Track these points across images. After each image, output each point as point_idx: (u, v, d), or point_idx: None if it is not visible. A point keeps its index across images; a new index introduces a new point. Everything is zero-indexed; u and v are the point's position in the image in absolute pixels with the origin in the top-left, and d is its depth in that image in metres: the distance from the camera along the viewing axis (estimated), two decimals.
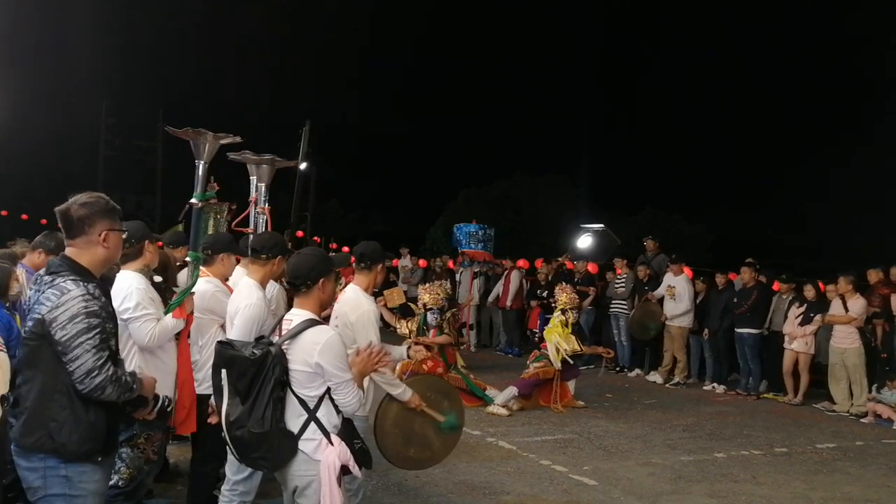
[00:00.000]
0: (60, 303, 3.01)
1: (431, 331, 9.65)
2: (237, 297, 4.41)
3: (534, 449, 7.50)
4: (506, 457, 7.22)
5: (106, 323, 3.08)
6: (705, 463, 7.31)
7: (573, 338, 9.37)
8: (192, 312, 4.56)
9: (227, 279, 5.12)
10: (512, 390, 9.25)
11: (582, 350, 9.52)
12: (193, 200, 4.86)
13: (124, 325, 4.15)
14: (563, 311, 9.59)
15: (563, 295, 9.78)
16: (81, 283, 3.06)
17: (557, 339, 9.35)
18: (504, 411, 9.01)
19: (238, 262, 5.46)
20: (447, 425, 4.64)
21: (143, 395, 3.33)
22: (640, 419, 9.17)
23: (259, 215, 5.69)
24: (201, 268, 5.07)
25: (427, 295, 9.87)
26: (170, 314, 4.38)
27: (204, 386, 4.64)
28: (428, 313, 9.78)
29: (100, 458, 3.12)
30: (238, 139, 5.09)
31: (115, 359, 3.14)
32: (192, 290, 4.62)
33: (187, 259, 5.02)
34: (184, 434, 4.84)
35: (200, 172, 4.86)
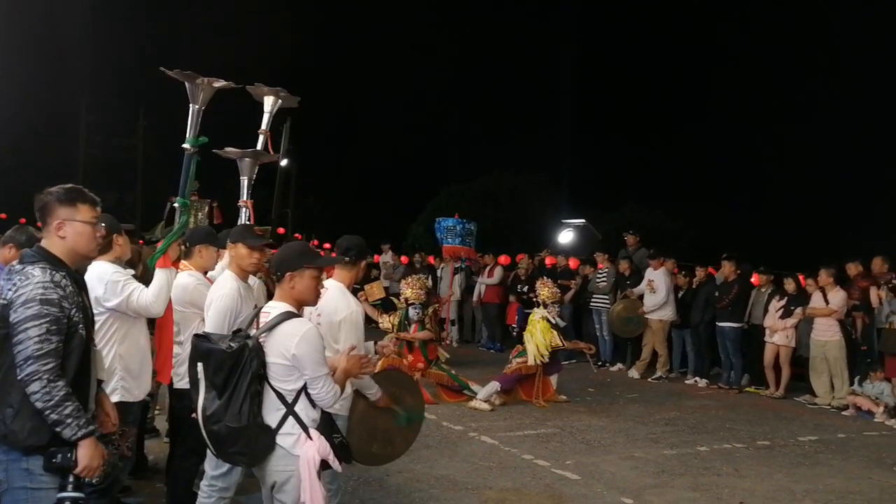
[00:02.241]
0: (20, 286, 2.97)
1: (413, 325, 9.60)
2: (213, 288, 4.34)
3: (516, 444, 7.46)
4: (488, 452, 7.16)
5: (63, 314, 2.99)
6: (688, 456, 7.30)
7: (554, 333, 9.33)
8: (177, 260, 4.51)
9: (207, 272, 5.05)
10: (494, 385, 9.19)
11: (563, 345, 9.47)
12: (186, 145, 4.79)
13: (108, 314, 4.15)
14: (546, 306, 9.55)
15: (545, 289, 9.73)
16: (49, 271, 3.01)
17: (536, 342, 9.33)
18: (486, 406, 8.96)
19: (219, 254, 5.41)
20: (404, 420, 4.62)
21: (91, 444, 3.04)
22: (622, 413, 9.15)
23: (241, 208, 5.62)
24: (183, 261, 5.01)
25: (409, 290, 9.82)
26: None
27: (185, 381, 4.57)
28: (410, 308, 9.75)
29: (56, 454, 3.00)
30: (233, 84, 5.12)
31: (62, 356, 2.99)
32: (176, 237, 4.58)
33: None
34: (162, 382, 4.82)
35: (192, 116, 4.83)
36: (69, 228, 3.15)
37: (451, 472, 6.46)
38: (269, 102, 5.76)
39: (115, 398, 4.06)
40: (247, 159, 5.62)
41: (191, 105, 4.96)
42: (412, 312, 9.72)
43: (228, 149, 5.61)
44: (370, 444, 4.49)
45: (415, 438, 4.79)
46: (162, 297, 4.28)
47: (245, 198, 5.62)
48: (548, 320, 9.43)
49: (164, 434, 6.61)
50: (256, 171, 5.74)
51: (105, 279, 4.18)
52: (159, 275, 4.30)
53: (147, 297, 4.21)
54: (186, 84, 4.85)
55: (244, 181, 5.68)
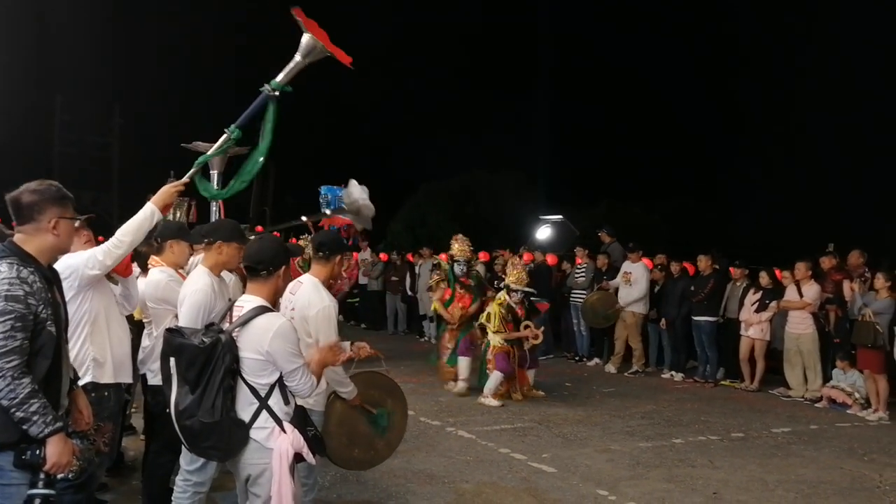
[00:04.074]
0: None
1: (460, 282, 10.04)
2: (186, 284, 4.32)
3: (493, 438, 7.49)
4: (465, 446, 7.19)
5: (30, 311, 2.96)
6: (663, 449, 7.36)
7: (501, 324, 9.29)
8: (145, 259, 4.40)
9: (180, 268, 5.04)
10: (497, 377, 9.21)
11: (508, 335, 9.32)
12: (267, 87, 4.58)
13: (84, 296, 4.11)
14: (510, 292, 9.49)
15: (514, 272, 9.68)
16: (16, 266, 2.98)
17: (491, 329, 9.33)
18: (495, 402, 9.02)
19: (192, 250, 5.40)
20: (384, 420, 4.61)
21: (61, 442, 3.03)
22: (598, 407, 9.21)
23: (212, 203, 5.60)
24: (153, 257, 4.99)
25: (456, 244, 10.15)
26: None
27: (160, 377, 4.55)
28: (455, 265, 10.07)
29: (25, 451, 2.97)
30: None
31: (28, 353, 2.96)
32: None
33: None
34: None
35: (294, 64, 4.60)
36: (63, 226, 3.18)
37: (428, 466, 6.48)
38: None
39: (87, 379, 4.05)
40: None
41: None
42: (457, 269, 10.06)
43: (197, 142, 5.57)
44: (351, 448, 4.50)
45: (398, 442, 4.78)
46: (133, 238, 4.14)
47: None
48: (508, 306, 9.38)
49: (140, 432, 6.59)
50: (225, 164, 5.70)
51: (84, 255, 4.14)
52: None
53: (112, 252, 4.09)
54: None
55: (215, 175, 5.65)
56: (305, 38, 4.52)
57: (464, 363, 9.67)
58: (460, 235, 10.30)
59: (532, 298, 9.77)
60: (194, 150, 5.72)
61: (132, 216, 4.15)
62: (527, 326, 9.41)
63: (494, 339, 9.28)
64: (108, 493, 5.50)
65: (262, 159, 4.59)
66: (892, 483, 6.47)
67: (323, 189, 5.80)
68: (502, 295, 9.53)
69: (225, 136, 4.57)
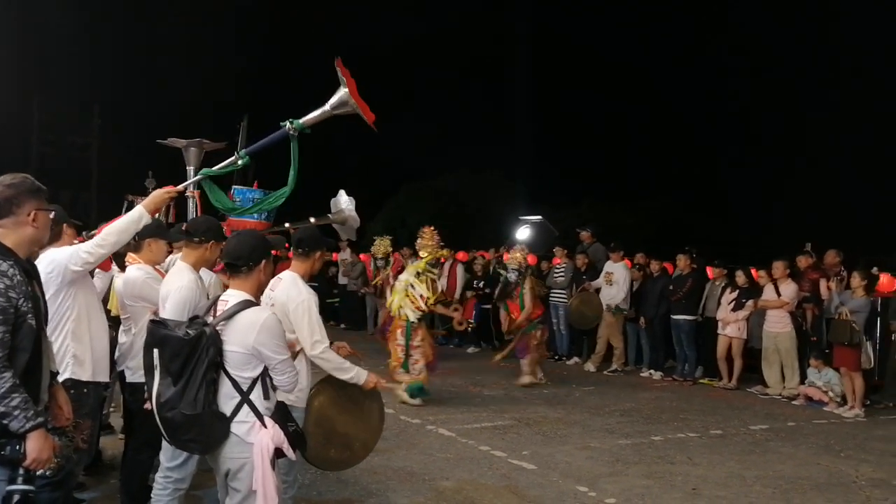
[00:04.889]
0: None
1: (516, 288, 10.36)
2: (169, 280, 4.29)
3: (473, 435, 7.50)
4: (445, 443, 7.20)
5: (10, 304, 2.94)
6: (642, 446, 7.40)
7: (430, 293, 9.02)
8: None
9: (157, 265, 5.02)
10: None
11: (429, 308, 9.10)
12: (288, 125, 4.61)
13: (65, 292, 4.08)
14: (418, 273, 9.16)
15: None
16: None
17: (412, 289, 9.00)
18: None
19: (171, 248, 5.37)
20: (414, 388, 4.59)
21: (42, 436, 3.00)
22: (578, 405, 9.24)
23: (188, 199, 5.55)
24: (130, 254, 4.96)
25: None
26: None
27: (138, 374, 4.53)
28: (510, 272, 10.45)
29: (4, 446, 2.94)
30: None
31: (9, 347, 2.95)
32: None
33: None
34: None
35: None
36: (41, 217, 3.18)
37: (408, 463, 6.48)
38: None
39: (66, 375, 4.02)
40: (192, 149, 5.57)
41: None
42: (511, 276, 10.41)
43: (172, 138, 5.54)
44: (327, 448, 4.45)
45: (375, 443, 4.74)
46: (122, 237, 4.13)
47: (192, 188, 5.54)
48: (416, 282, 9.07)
49: (119, 431, 6.54)
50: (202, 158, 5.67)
51: (68, 251, 4.12)
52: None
53: (98, 249, 4.07)
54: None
55: (191, 171, 5.62)
56: (341, 92, 4.57)
57: (527, 368, 10.35)
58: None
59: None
60: (170, 146, 5.68)
61: (111, 216, 4.13)
62: (456, 309, 9.51)
63: (413, 314, 8.94)
64: (85, 492, 5.45)
65: (288, 193, 4.66)
66: (868, 478, 6.55)
67: (235, 191, 5.72)
68: (422, 263, 9.24)
69: (234, 158, 4.61)
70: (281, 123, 4.56)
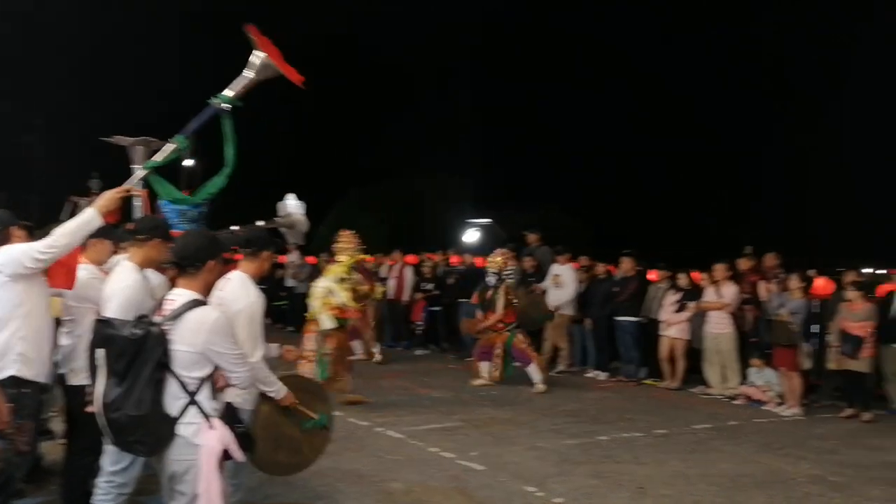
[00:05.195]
0: None
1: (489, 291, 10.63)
2: (113, 280, 4.20)
3: (422, 437, 7.50)
4: (394, 445, 7.19)
5: None
6: (589, 445, 7.49)
7: (349, 294, 8.64)
8: None
9: (102, 265, 4.91)
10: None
11: (348, 312, 8.71)
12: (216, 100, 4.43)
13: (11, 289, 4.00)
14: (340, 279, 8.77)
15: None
16: None
17: (332, 296, 8.58)
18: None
19: (116, 249, 5.26)
20: (317, 424, 4.53)
21: None
22: (526, 406, 9.31)
23: (134, 198, 5.45)
24: None
25: (490, 259, 10.90)
26: None
27: (81, 376, 4.42)
28: (490, 274, 10.70)
29: None
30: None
31: None
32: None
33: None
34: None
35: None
36: None
37: (357, 465, 6.45)
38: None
39: (9, 372, 3.92)
40: (139, 147, 5.46)
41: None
42: (490, 278, 10.65)
43: (118, 136, 5.42)
44: (276, 452, 4.40)
45: (324, 447, 4.71)
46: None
47: (140, 188, 5.44)
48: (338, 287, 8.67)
49: (59, 435, 6.36)
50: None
51: (22, 247, 4.06)
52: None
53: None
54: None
55: (136, 170, 5.51)
56: (257, 56, 4.47)
57: (535, 371, 10.37)
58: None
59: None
60: (116, 144, 5.57)
61: (53, 218, 4.06)
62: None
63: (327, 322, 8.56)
64: (24, 499, 5.29)
65: (229, 172, 4.55)
66: (806, 475, 6.73)
67: (163, 206, 5.60)
68: (341, 267, 8.83)
69: (172, 146, 4.50)
70: (206, 102, 4.49)
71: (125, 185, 4.32)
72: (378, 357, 12.05)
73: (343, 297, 8.58)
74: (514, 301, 10.70)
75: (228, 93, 4.44)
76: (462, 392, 10.04)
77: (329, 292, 8.62)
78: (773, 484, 6.45)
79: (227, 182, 4.60)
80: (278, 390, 4.27)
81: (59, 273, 4.35)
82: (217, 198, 5.13)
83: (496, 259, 10.77)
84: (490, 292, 10.64)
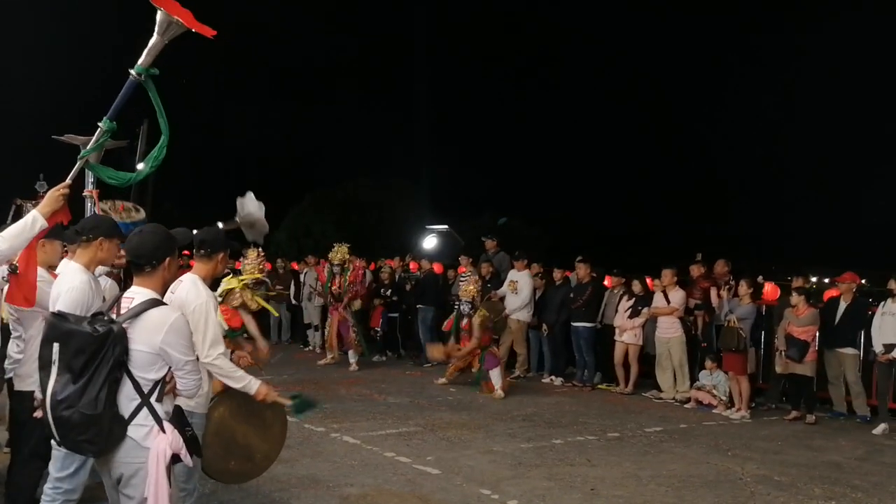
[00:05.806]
0: None
1: (466, 321, 10.78)
2: (60, 281, 4.15)
3: (377, 442, 7.52)
4: (350, 450, 7.19)
5: None
6: (544, 449, 7.58)
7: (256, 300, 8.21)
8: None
9: (52, 267, 4.84)
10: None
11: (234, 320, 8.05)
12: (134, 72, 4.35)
13: None
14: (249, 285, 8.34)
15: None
16: None
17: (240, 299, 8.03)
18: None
19: (66, 251, 5.19)
20: (298, 409, 4.46)
21: None
22: (481, 411, 9.38)
23: (86, 199, 5.37)
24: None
25: (462, 287, 11.06)
26: None
27: (28, 381, 4.37)
28: (463, 304, 10.82)
29: None
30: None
31: None
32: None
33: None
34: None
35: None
36: None
37: (312, 471, 6.45)
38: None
39: None
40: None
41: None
42: (464, 308, 10.79)
43: (70, 135, 5.33)
44: (227, 460, 4.34)
45: (277, 454, 4.67)
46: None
47: (90, 187, 5.34)
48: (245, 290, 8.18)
49: (3, 444, 6.25)
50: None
51: None
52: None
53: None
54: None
55: (88, 172, 5.43)
56: (159, 16, 4.40)
57: (497, 375, 10.48)
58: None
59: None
60: (67, 143, 5.48)
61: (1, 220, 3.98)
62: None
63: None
64: None
65: (166, 141, 4.43)
66: (753, 475, 6.90)
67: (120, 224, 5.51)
68: (236, 281, 8.23)
69: (99, 129, 4.39)
70: (129, 78, 4.41)
71: (65, 182, 4.22)
72: (354, 367, 12.24)
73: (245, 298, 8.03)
74: (490, 324, 10.90)
75: (141, 62, 4.37)
76: (419, 397, 10.08)
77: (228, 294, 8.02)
78: (721, 484, 6.60)
79: (165, 152, 4.49)
80: (249, 384, 4.13)
81: (17, 294, 4.28)
82: (159, 169, 5.00)
83: (469, 288, 10.92)
84: (466, 322, 10.84)
